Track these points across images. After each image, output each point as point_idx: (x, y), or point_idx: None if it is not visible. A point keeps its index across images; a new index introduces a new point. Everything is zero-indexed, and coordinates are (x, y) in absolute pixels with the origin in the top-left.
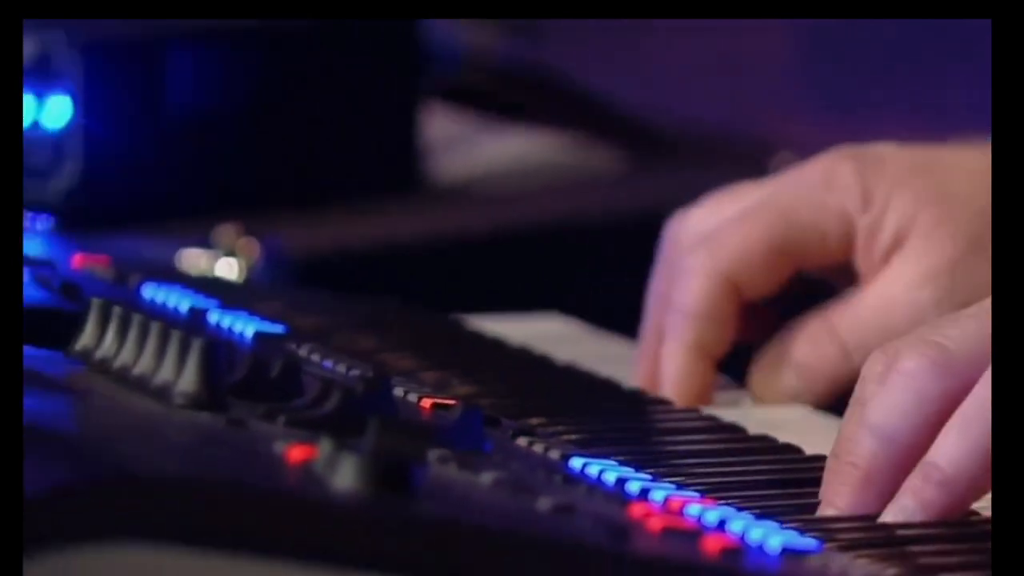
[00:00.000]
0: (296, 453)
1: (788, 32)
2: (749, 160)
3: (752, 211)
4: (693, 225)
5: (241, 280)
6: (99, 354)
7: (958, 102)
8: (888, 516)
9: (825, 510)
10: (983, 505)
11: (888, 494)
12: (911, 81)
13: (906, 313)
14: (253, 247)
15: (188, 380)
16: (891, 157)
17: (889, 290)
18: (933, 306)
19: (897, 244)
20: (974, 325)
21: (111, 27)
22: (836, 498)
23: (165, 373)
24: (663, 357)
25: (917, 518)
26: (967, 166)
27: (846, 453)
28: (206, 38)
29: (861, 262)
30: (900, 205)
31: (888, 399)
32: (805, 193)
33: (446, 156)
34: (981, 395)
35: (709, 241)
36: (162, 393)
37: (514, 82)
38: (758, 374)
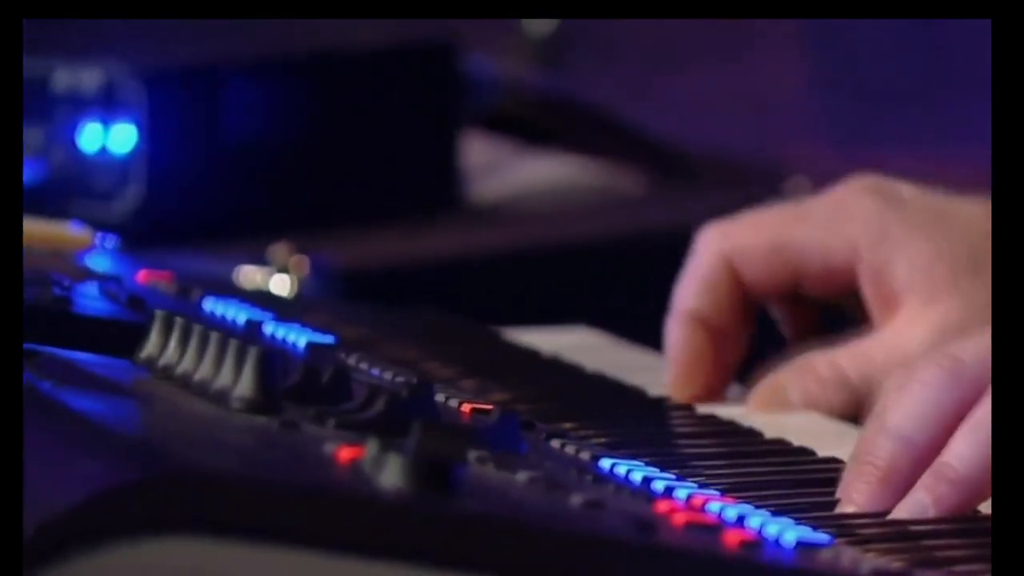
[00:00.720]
0: (345, 453)
1: (802, 62)
2: (765, 183)
3: (770, 211)
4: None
5: (293, 294)
6: (162, 362)
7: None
8: (902, 511)
9: (844, 507)
10: (983, 504)
11: (903, 492)
12: (922, 109)
13: None
14: (304, 264)
15: (245, 386)
16: (911, 200)
17: (901, 343)
18: None
19: (910, 289)
20: (985, 341)
21: (173, 59)
22: (855, 495)
23: (223, 379)
24: (667, 328)
25: (929, 514)
26: (983, 224)
27: (866, 454)
28: (262, 69)
29: (870, 297)
30: (915, 249)
31: (906, 405)
32: (822, 213)
33: (484, 179)
34: (991, 402)
35: (723, 225)
36: (220, 398)
37: (547, 110)
38: (759, 402)
